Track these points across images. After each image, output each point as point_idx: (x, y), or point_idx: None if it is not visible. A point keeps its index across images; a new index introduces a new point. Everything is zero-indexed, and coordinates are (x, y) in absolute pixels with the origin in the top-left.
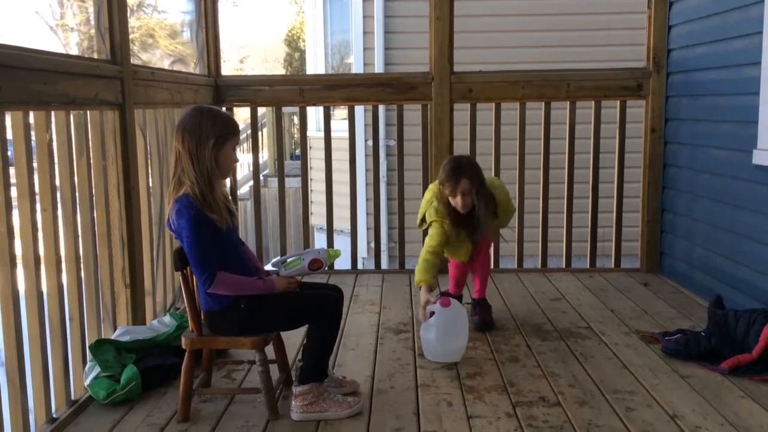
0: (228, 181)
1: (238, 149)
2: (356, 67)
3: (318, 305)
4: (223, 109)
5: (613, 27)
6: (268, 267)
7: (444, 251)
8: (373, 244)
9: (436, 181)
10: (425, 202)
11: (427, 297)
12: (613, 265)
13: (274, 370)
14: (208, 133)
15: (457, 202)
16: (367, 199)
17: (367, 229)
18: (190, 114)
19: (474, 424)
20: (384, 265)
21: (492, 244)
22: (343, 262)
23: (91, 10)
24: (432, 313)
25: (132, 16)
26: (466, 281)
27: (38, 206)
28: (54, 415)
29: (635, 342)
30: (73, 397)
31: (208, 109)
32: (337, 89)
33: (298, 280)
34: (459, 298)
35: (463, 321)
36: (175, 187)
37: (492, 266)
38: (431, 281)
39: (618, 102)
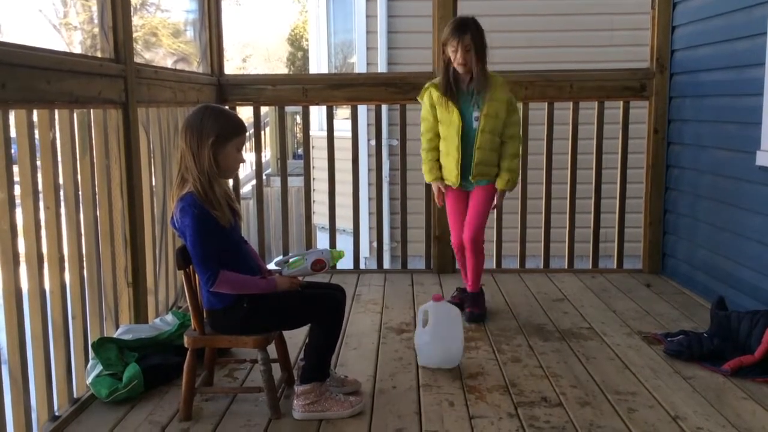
0: (230, 180)
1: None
2: (359, 66)
3: (320, 305)
4: (226, 108)
5: (617, 27)
6: (271, 266)
7: (436, 138)
8: (375, 244)
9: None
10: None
11: (439, 189)
12: (615, 266)
13: (276, 369)
14: (209, 132)
15: (457, 58)
16: (369, 199)
17: (370, 228)
18: (195, 112)
19: (476, 424)
20: (386, 265)
21: (482, 223)
22: (345, 262)
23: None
24: (425, 314)
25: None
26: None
27: (41, 204)
28: (56, 413)
29: (637, 343)
30: (75, 395)
31: (213, 108)
32: (340, 89)
33: (301, 280)
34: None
35: (458, 327)
36: (179, 185)
37: (494, 266)
38: (438, 175)
39: (621, 102)
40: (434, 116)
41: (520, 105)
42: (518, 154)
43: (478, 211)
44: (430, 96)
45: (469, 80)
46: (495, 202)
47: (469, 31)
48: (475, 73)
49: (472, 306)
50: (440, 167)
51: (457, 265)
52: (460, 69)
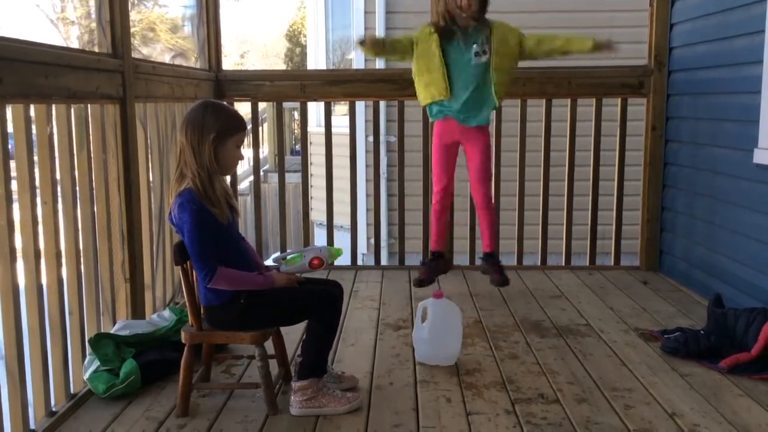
0: (228, 177)
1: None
2: (357, 62)
3: (317, 301)
4: (224, 103)
5: (615, 25)
6: (269, 262)
7: (386, 50)
8: (373, 240)
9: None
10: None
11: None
12: (612, 263)
13: (274, 366)
14: (210, 128)
15: (463, 3)
16: (367, 195)
17: (367, 225)
18: (196, 107)
19: (473, 420)
20: (384, 261)
21: (488, 177)
22: (342, 258)
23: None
24: (424, 311)
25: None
26: (446, 234)
27: (38, 199)
28: (53, 409)
29: (634, 340)
30: (72, 391)
31: (214, 104)
32: (338, 85)
33: (298, 277)
34: (441, 254)
35: (457, 324)
36: (177, 180)
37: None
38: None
39: (619, 100)
40: (413, 44)
41: (517, 101)
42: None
43: (485, 167)
44: (427, 33)
45: (468, 24)
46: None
47: None
48: (477, 12)
49: (498, 271)
50: (383, 45)
51: (431, 226)
52: (466, 15)
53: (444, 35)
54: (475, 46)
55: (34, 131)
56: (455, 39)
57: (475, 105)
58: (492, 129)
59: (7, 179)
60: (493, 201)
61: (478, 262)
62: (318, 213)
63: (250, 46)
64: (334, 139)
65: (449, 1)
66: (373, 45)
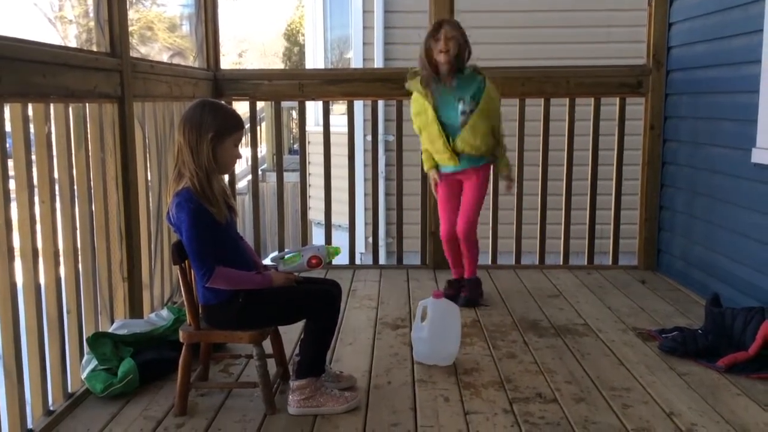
0: (226, 176)
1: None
2: (356, 62)
3: (316, 300)
4: (222, 102)
5: (614, 24)
6: (267, 262)
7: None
8: (371, 240)
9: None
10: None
11: (434, 175)
12: (610, 263)
13: (272, 365)
14: (208, 127)
15: (440, 48)
16: (365, 195)
17: (366, 224)
18: (193, 107)
19: (471, 419)
20: (382, 261)
21: (476, 210)
22: (341, 258)
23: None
24: (424, 310)
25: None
26: (461, 260)
27: (36, 198)
28: (51, 408)
29: (632, 339)
30: (70, 390)
31: (212, 103)
32: (336, 84)
33: (297, 276)
34: (459, 282)
35: (456, 324)
36: (175, 179)
37: (489, 262)
38: (434, 164)
39: (617, 99)
40: (425, 108)
41: (516, 101)
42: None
43: (472, 203)
44: (418, 90)
45: (450, 74)
46: (508, 186)
47: (448, 22)
48: (454, 59)
49: (467, 291)
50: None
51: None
52: (442, 58)
53: (432, 88)
54: (461, 104)
55: (32, 130)
56: (441, 95)
57: (470, 154)
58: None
59: (5, 178)
60: (476, 236)
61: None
62: (316, 212)
63: (248, 45)
64: (333, 139)
65: (428, 45)
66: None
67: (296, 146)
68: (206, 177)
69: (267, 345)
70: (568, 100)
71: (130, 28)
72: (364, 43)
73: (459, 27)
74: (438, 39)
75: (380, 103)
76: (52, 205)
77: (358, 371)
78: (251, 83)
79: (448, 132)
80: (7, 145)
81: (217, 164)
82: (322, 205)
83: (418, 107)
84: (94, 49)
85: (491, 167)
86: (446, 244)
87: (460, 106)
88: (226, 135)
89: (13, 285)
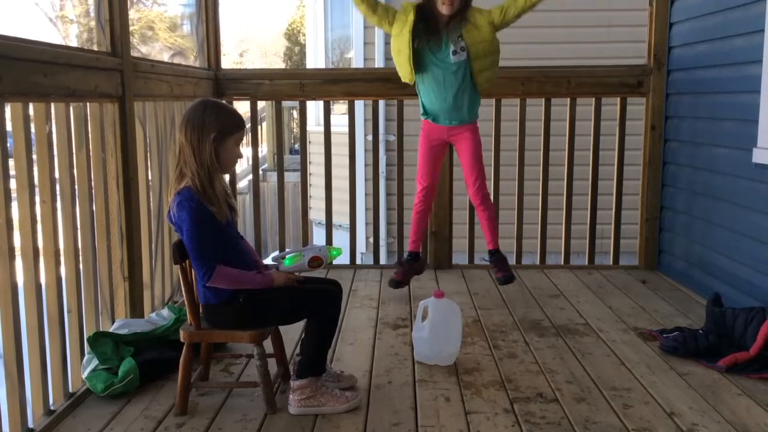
0: (227, 176)
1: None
2: (356, 61)
3: (316, 300)
4: (223, 102)
5: (614, 24)
6: (268, 261)
7: (380, 21)
8: (372, 239)
9: None
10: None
11: None
12: (611, 263)
13: (272, 364)
14: (210, 127)
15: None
16: (366, 194)
17: (366, 224)
18: (195, 106)
19: (471, 419)
20: (383, 261)
21: (481, 178)
22: (341, 257)
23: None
24: (425, 310)
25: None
26: (424, 236)
27: (37, 198)
28: (51, 408)
29: (633, 339)
30: (70, 390)
31: (213, 103)
32: (337, 83)
33: (298, 276)
34: (417, 255)
35: (457, 324)
36: (176, 179)
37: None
38: None
39: (618, 99)
40: (393, 18)
41: (517, 101)
42: None
43: (479, 160)
44: (407, 12)
45: (447, 21)
46: None
47: None
48: (457, 10)
49: (503, 269)
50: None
51: (410, 230)
52: (444, 9)
53: (423, 23)
54: (451, 44)
55: (33, 130)
56: (432, 37)
57: (460, 106)
58: (491, 128)
59: (6, 178)
60: (490, 196)
61: (477, 261)
62: (317, 212)
63: (249, 44)
64: (333, 138)
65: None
66: None
67: (297, 146)
68: (208, 177)
69: (268, 344)
70: (568, 100)
71: (131, 28)
72: (365, 43)
73: None
74: None
75: (381, 102)
76: (52, 205)
77: (359, 371)
78: (252, 83)
79: (433, 76)
80: (8, 145)
81: (219, 164)
82: (322, 205)
83: (399, 26)
84: (95, 48)
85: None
86: (418, 213)
87: (452, 46)
88: (228, 135)
89: (14, 284)
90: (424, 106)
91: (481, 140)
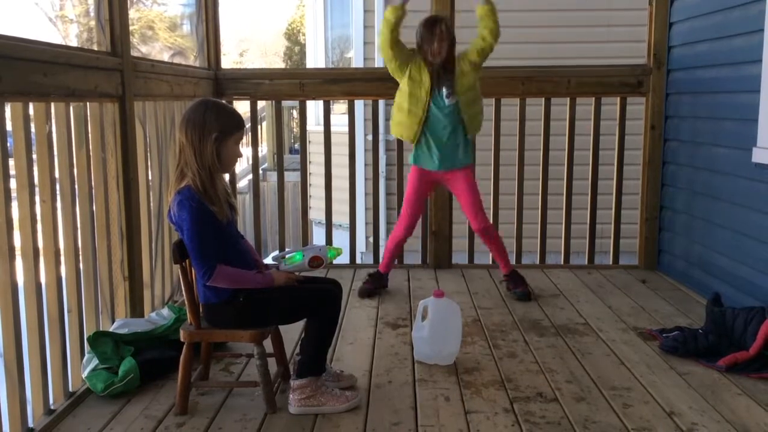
0: (227, 175)
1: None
2: (356, 61)
3: (316, 299)
4: (223, 101)
5: (614, 23)
6: (268, 261)
7: (396, 45)
8: (371, 239)
9: None
10: None
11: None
12: (611, 262)
13: (272, 364)
14: (212, 127)
15: (434, 48)
16: (366, 194)
17: (366, 223)
18: (195, 107)
19: (471, 419)
20: None
21: (477, 199)
22: (341, 257)
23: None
24: (425, 310)
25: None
26: (394, 260)
27: (37, 198)
28: (51, 407)
29: (633, 339)
30: (70, 389)
31: (213, 103)
32: (337, 83)
33: (298, 275)
34: (385, 276)
35: (457, 324)
36: (177, 179)
37: (490, 261)
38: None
39: (618, 99)
40: (407, 62)
41: (516, 100)
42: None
43: (477, 197)
44: (420, 71)
45: (440, 66)
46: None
47: (441, 22)
48: (445, 58)
49: (522, 285)
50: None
51: (383, 253)
52: (436, 60)
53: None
54: (444, 88)
55: (33, 129)
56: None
57: (453, 150)
58: (491, 128)
59: (6, 177)
60: (491, 225)
61: (477, 260)
62: (317, 212)
63: (249, 44)
64: (333, 138)
65: (423, 42)
66: (400, 13)
67: (297, 146)
68: (209, 177)
69: (268, 344)
70: (568, 99)
71: (131, 28)
72: (364, 43)
73: (450, 29)
74: (433, 36)
75: (381, 102)
76: (52, 205)
77: (359, 370)
78: (252, 82)
79: (429, 121)
80: (8, 145)
81: (221, 163)
82: (322, 205)
83: (416, 76)
84: (95, 48)
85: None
86: (394, 242)
87: (445, 90)
88: (229, 134)
89: (14, 284)
90: (417, 151)
91: (474, 178)
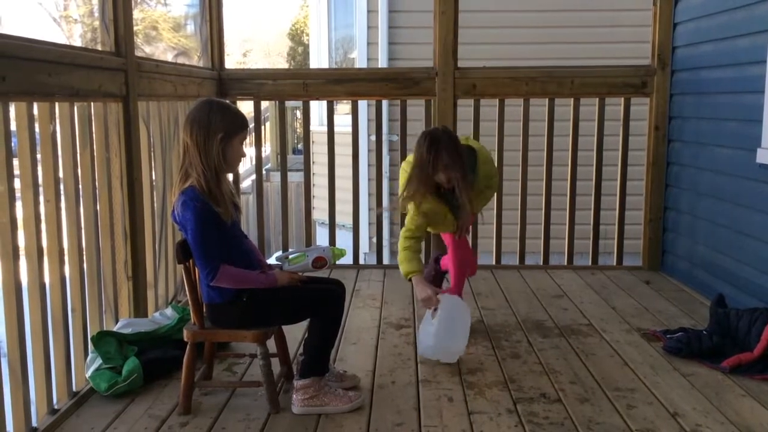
0: (230, 175)
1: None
2: (360, 61)
3: (320, 300)
4: (226, 101)
5: (618, 24)
6: (271, 261)
7: (423, 233)
8: (375, 239)
9: (410, 156)
10: (405, 180)
11: (424, 287)
12: (615, 263)
13: (276, 364)
14: (217, 127)
15: (440, 178)
16: (369, 194)
17: (369, 224)
18: (199, 107)
19: (474, 419)
20: (386, 261)
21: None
22: (344, 257)
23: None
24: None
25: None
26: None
27: (41, 198)
28: (55, 407)
29: (637, 340)
30: (74, 389)
31: (218, 103)
32: (340, 83)
33: (301, 276)
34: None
35: (465, 323)
36: (181, 179)
37: (494, 262)
38: (419, 268)
39: (622, 99)
40: (425, 215)
41: (520, 101)
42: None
43: (469, 247)
44: (418, 204)
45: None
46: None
47: (443, 150)
48: (461, 188)
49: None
50: (421, 257)
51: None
52: (448, 186)
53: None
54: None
55: (37, 129)
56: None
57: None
58: (494, 129)
59: (10, 177)
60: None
61: (480, 261)
62: (320, 212)
63: (252, 44)
64: (337, 138)
65: (432, 176)
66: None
67: (300, 146)
68: (215, 177)
69: (271, 344)
70: (572, 100)
71: (135, 28)
72: (368, 43)
73: (454, 152)
74: (437, 172)
75: (384, 102)
76: (56, 204)
77: (362, 371)
78: (256, 83)
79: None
80: (13, 144)
81: (227, 164)
82: (325, 205)
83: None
84: (99, 48)
85: None
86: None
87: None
88: (234, 134)
89: (18, 284)
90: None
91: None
